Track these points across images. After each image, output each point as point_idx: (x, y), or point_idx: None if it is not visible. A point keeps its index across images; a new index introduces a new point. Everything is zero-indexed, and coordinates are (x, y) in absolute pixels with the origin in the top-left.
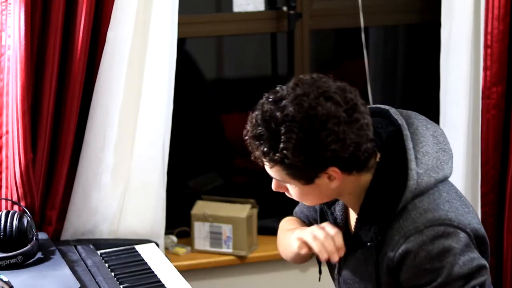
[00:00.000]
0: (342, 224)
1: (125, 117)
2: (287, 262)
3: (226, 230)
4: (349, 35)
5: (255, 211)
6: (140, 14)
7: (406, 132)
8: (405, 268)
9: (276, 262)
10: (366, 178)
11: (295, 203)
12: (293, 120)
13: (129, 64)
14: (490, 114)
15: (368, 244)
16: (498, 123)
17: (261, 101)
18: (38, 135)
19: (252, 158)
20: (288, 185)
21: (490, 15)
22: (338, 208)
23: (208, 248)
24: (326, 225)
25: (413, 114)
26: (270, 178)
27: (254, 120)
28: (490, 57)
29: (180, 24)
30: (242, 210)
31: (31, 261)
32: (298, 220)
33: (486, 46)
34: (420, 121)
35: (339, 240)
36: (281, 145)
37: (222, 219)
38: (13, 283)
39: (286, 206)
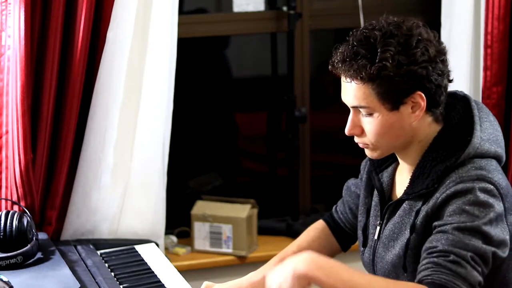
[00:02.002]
0: (387, 190)
1: (125, 117)
2: None
3: (226, 230)
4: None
5: (255, 211)
6: (140, 14)
7: (473, 104)
8: (445, 209)
9: None
10: (436, 130)
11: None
12: (391, 36)
13: (129, 64)
14: None
15: (422, 191)
16: (498, 123)
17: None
18: (38, 135)
19: (345, 76)
20: (368, 120)
21: (490, 15)
22: (386, 175)
23: (208, 248)
24: None
25: (478, 101)
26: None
27: (345, 46)
28: (490, 57)
29: (180, 24)
30: (242, 210)
31: (31, 261)
32: (315, 233)
33: (486, 46)
34: (485, 106)
35: None
36: (379, 57)
37: (222, 219)
38: (13, 283)
39: (286, 206)
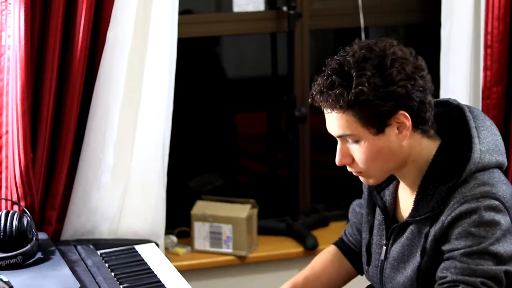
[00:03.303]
0: (390, 208)
1: (125, 117)
2: (287, 262)
3: (226, 230)
4: (349, 35)
5: (255, 211)
6: (140, 14)
7: (469, 114)
8: (452, 232)
9: (276, 262)
10: (429, 146)
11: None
12: (364, 61)
13: (129, 64)
14: (490, 114)
15: (427, 214)
16: (498, 123)
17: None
18: (38, 135)
19: (324, 107)
20: (356, 147)
21: (490, 15)
22: (388, 193)
23: (208, 248)
24: None
25: (472, 107)
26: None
27: (321, 77)
28: (490, 57)
29: (180, 24)
30: (242, 210)
31: (31, 261)
32: (328, 257)
33: (486, 46)
34: (479, 111)
35: None
36: (355, 83)
37: (222, 219)
38: (13, 283)
39: (286, 206)
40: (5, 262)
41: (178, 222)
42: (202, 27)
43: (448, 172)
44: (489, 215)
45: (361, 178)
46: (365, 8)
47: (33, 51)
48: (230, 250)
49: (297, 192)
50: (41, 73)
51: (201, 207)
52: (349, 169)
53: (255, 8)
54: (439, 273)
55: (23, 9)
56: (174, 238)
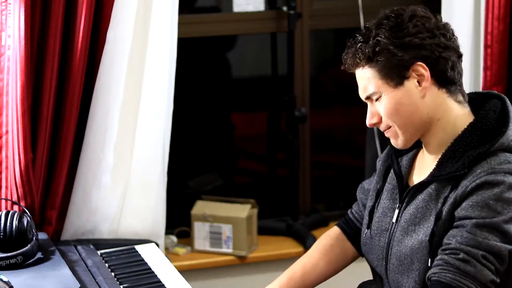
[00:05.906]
0: (405, 174)
1: (125, 117)
2: (287, 262)
3: (226, 230)
4: (349, 35)
5: (255, 211)
6: (140, 14)
7: (509, 103)
8: (471, 198)
9: (276, 262)
10: (458, 111)
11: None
12: (385, 19)
13: (129, 64)
14: None
15: (450, 174)
16: None
17: None
18: (38, 135)
19: (350, 66)
20: (379, 104)
21: (490, 15)
22: (405, 159)
23: (208, 248)
24: None
25: None
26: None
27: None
28: (490, 57)
29: (180, 24)
30: (242, 210)
31: (31, 261)
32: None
33: (486, 46)
34: None
35: None
36: (373, 35)
37: (222, 219)
38: (13, 283)
39: (286, 206)
40: (5, 262)
41: (178, 222)
42: (202, 27)
43: (481, 140)
44: (510, 194)
45: (392, 141)
46: (365, 8)
47: (33, 51)
48: (230, 250)
49: (297, 192)
50: (41, 73)
51: (201, 207)
52: (381, 129)
53: (255, 8)
54: (445, 240)
55: (23, 9)
56: (174, 238)
